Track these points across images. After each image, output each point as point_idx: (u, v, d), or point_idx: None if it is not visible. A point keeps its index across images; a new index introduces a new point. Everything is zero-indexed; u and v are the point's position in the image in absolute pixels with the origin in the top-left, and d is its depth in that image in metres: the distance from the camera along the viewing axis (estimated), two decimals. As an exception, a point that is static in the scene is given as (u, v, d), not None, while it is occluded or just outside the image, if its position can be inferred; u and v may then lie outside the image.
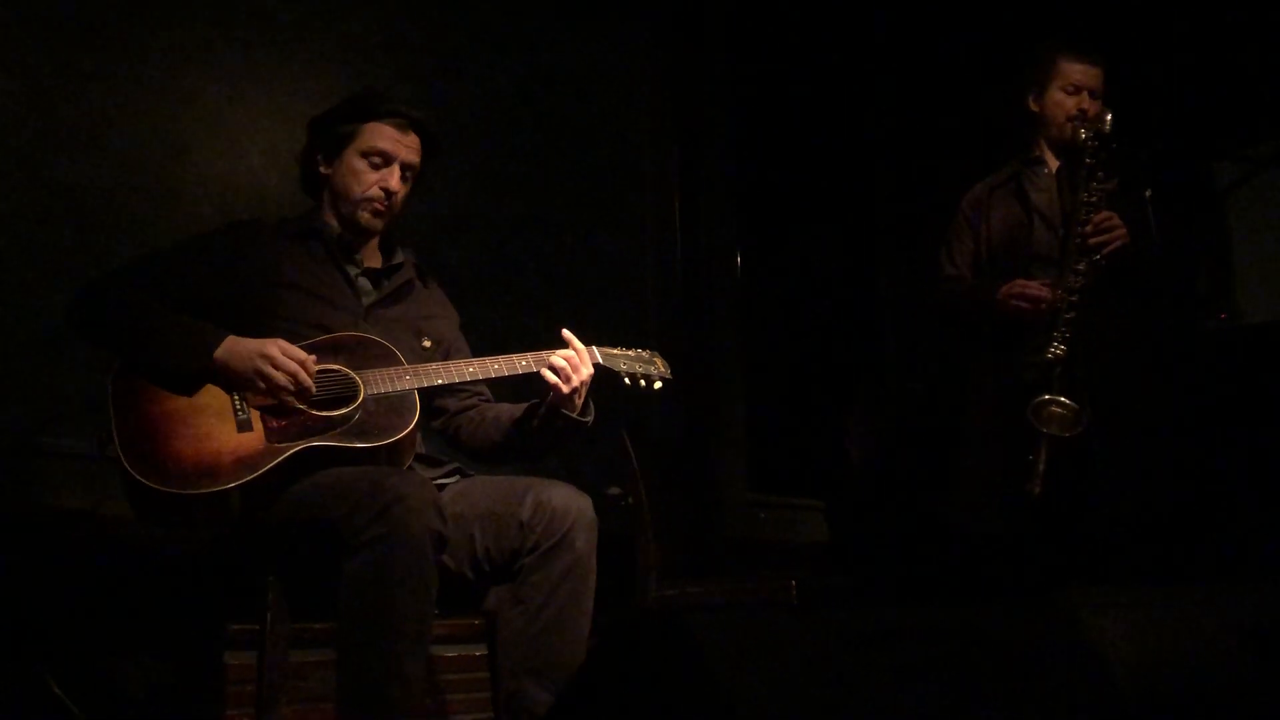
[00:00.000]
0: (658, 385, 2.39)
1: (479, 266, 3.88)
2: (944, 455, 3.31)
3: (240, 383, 2.11)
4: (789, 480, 4.42)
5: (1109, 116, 3.01)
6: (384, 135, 2.33)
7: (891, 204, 4.52)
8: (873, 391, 4.51)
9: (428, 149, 2.39)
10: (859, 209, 4.66)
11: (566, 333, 2.31)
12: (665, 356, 2.49)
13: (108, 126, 3.25)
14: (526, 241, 4.04)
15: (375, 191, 2.32)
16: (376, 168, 2.32)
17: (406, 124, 2.35)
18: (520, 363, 2.28)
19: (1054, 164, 3.21)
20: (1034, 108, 3.22)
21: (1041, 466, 2.89)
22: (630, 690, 1.15)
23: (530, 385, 2.33)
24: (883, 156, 4.57)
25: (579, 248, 4.17)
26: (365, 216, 2.34)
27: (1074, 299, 2.94)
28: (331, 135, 2.35)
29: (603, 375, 2.33)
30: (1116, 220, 2.96)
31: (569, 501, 2.15)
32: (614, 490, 3.62)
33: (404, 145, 2.34)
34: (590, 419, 2.33)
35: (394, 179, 2.32)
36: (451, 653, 2.84)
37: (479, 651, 2.80)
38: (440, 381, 2.23)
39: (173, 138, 3.35)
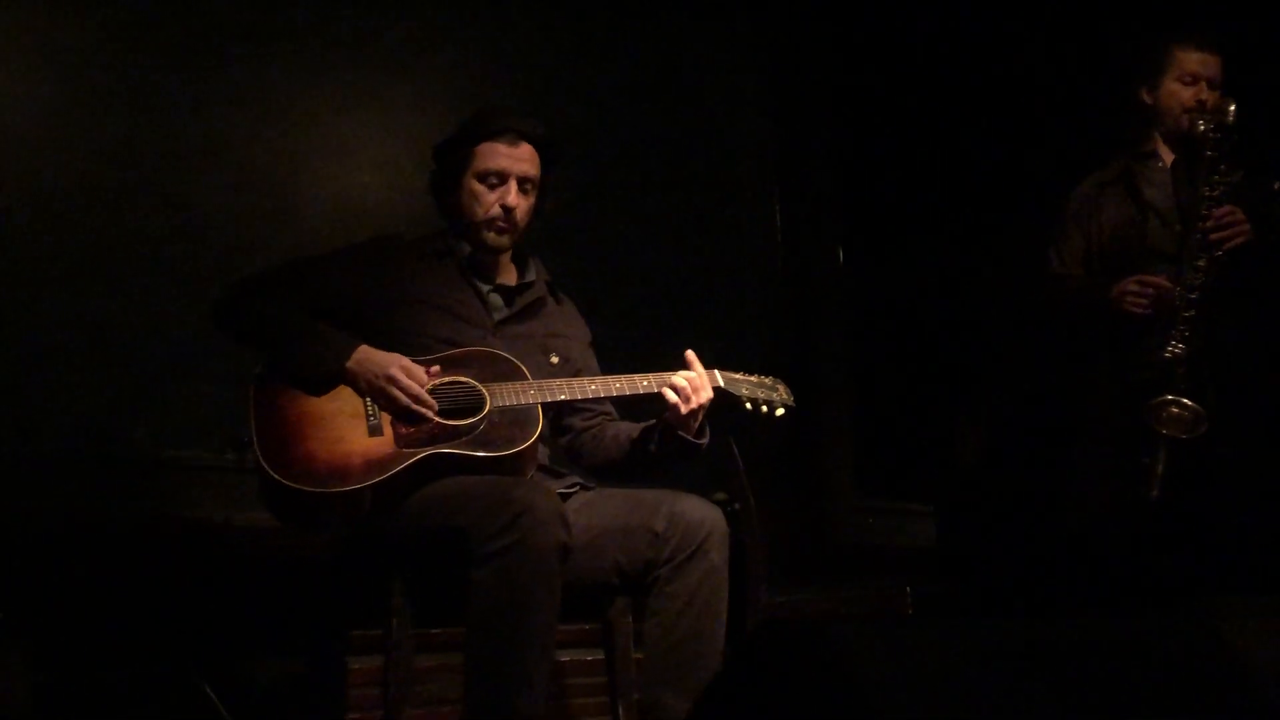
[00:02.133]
0: (780, 412, 2.40)
1: (582, 278, 3.91)
2: (1056, 458, 3.24)
3: (366, 394, 2.20)
4: (897, 484, 4.37)
5: (1232, 106, 2.90)
6: (495, 154, 2.36)
7: (998, 201, 4.43)
8: (982, 392, 4.43)
9: (546, 157, 2.42)
10: (965, 207, 4.59)
11: (690, 354, 2.32)
12: (782, 377, 2.49)
13: (226, 147, 3.37)
14: (629, 251, 4.07)
15: (496, 211, 2.36)
16: (493, 188, 2.36)
17: (516, 136, 2.39)
18: (642, 383, 2.31)
19: (1169, 158, 3.11)
20: (1147, 100, 3.12)
21: (1160, 469, 2.81)
22: (768, 699, 1.15)
23: (650, 407, 2.35)
24: (988, 154, 4.49)
25: (682, 255, 4.19)
26: (491, 236, 2.38)
27: (1194, 296, 2.86)
28: (449, 162, 2.41)
29: (724, 400, 2.34)
30: (1240, 215, 2.87)
31: (703, 513, 2.17)
32: (720, 497, 3.62)
33: (517, 159, 2.37)
34: (705, 442, 2.35)
35: (511, 195, 2.36)
36: (565, 657, 2.87)
37: (590, 656, 2.82)
38: (563, 397, 2.28)
39: (288, 156, 3.46)
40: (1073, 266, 3.18)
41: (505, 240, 2.40)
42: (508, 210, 2.35)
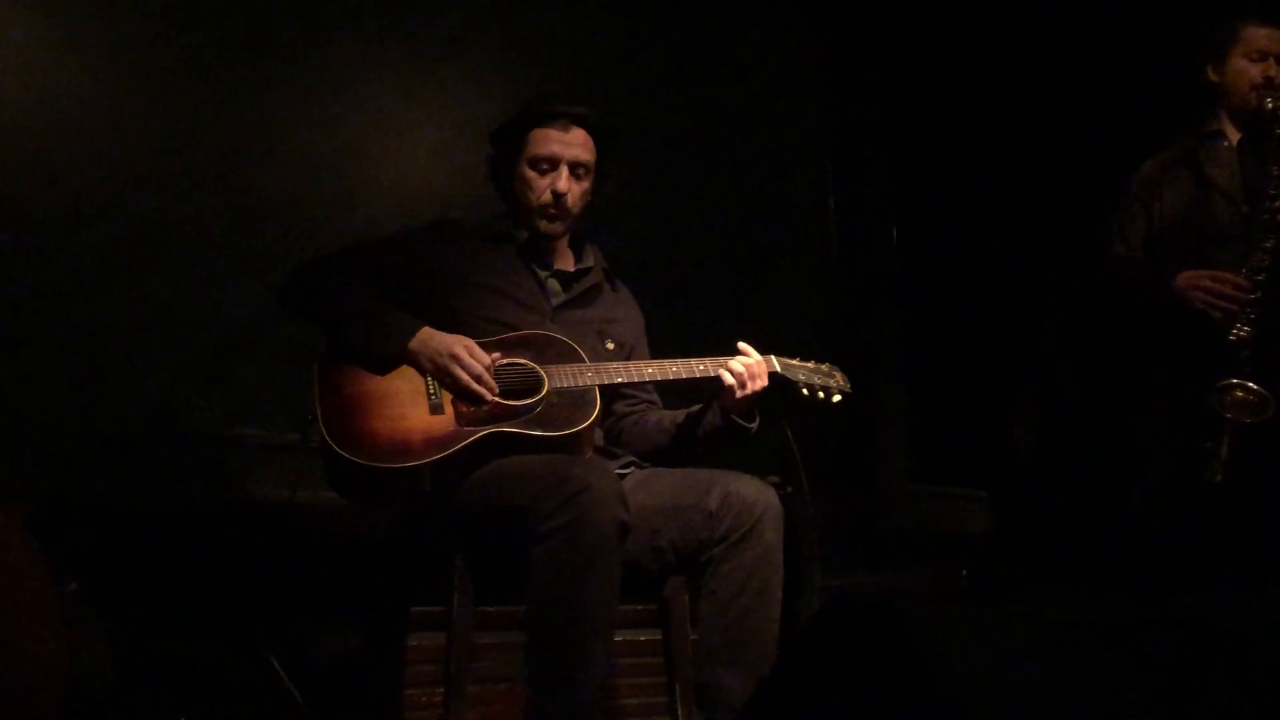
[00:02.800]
0: (836, 399, 2.42)
1: (634, 261, 3.91)
2: (1115, 442, 3.20)
3: (429, 373, 2.23)
4: (951, 469, 4.35)
5: (1305, 83, 2.85)
6: (547, 140, 2.38)
7: (1057, 182, 4.39)
8: (1038, 375, 4.38)
9: (600, 141, 2.43)
10: (1022, 187, 4.55)
11: (744, 345, 2.34)
12: (835, 360, 2.49)
13: (284, 130, 3.41)
14: (682, 235, 4.07)
15: (546, 197, 2.38)
16: (545, 174, 2.38)
17: (569, 122, 2.40)
18: (698, 367, 2.32)
19: (1235, 136, 3.06)
20: (1213, 78, 3.07)
21: (1224, 454, 2.77)
22: (834, 677, 1.15)
23: (698, 396, 2.37)
24: (1048, 133, 4.44)
25: (735, 238, 4.19)
26: (544, 223, 2.41)
27: (1260, 278, 2.81)
28: (505, 148, 2.43)
29: (780, 385, 2.34)
30: (1310, 194, 2.81)
31: (757, 493, 2.18)
32: (773, 480, 3.61)
33: (568, 144, 2.38)
34: (754, 426, 2.36)
35: (562, 181, 2.37)
36: (621, 637, 2.88)
37: (644, 636, 2.84)
38: (620, 380, 2.31)
39: (346, 139, 3.49)
40: (1135, 248, 3.14)
41: (558, 227, 2.42)
42: (558, 196, 2.36)
